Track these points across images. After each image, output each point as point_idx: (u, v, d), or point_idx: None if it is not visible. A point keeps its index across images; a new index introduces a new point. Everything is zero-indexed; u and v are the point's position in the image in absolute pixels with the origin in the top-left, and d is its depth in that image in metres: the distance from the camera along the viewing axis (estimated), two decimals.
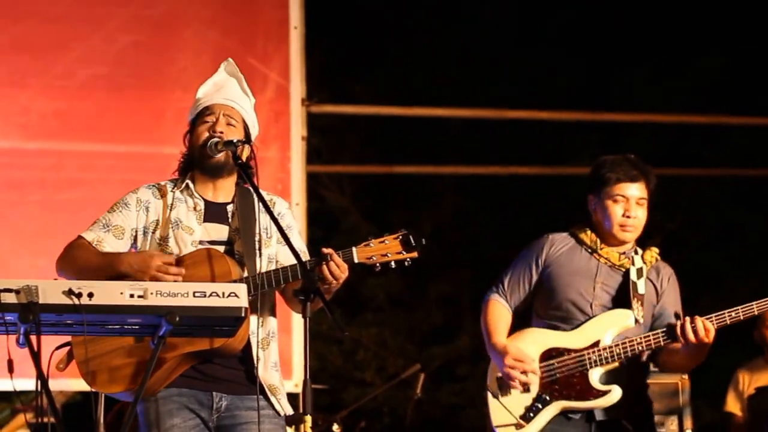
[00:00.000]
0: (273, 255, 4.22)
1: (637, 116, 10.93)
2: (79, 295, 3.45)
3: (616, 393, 4.66)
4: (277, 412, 4.12)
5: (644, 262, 4.83)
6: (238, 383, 4.10)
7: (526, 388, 4.72)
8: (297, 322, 6.27)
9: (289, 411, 4.16)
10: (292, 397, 4.24)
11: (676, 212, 13.12)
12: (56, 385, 3.74)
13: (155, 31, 7.18)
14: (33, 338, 3.43)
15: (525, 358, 4.70)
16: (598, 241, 4.83)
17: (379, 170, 11.93)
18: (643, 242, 4.94)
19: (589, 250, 4.84)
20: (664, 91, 12.80)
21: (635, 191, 4.80)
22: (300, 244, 4.27)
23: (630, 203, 4.78)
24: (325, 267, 3.98)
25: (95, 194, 6.82)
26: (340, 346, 13.15)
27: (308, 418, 3.76)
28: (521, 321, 4.97)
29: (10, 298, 3.42)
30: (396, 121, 11.95)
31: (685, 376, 6.14)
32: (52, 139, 7.01)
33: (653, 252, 4.88)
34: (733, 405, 7.28)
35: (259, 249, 4.13)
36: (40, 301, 3.42)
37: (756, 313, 4.67)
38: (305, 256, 4.20)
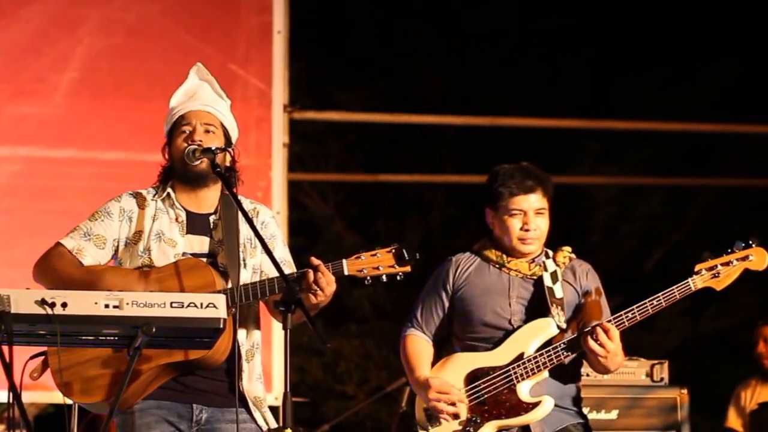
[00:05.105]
0: (257, 265, 4.28)
1: (639, 124, 10.83)
2: (52, 305, 3.48)
3: (548, 403, 4.64)
4: (260, 426, 4.18)
5: (557, 265, 4.81)
6: (219, 395, 4.15)
7: (455, 416, 4.71)
8: (277, 334, 6.32)
9: (273, 425, 4.21)
10: (271, 410, 4.30)
11: (683, 223, 13.17)
12: (28, 397, 3.78)
13: (130, 36, 7.23)
14: (4, 349, 3.45)
15: (449, 389, 4.70)
16: (504, 255, 4.82)
17: (365, 179, 11.96)
18: (553, 245, 4.90)
19: (497, 266, 4.82)
20: (671, 98, 12.80)
21: (532, 202, 4.76)
22: (284, 253, 4.34)
23: (528, 216, 4.75)
24: (310, 275, 4.04)
25: (67, 203, 6.87)
26: (320, 358, 13.15)
27: None
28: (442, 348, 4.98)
29: None
30: (382, 129, 11.96)
31: (684, 391, 6.17)
32: (23, 145, 7.06)
33: (565, 252, 4.84)
34: (734, 421, 7.36)
35: (243, 260, 4.19)
36: (12, 311, 3.45)
37: (651, 312, 4.58)
38: (290, 266, 4.28)
